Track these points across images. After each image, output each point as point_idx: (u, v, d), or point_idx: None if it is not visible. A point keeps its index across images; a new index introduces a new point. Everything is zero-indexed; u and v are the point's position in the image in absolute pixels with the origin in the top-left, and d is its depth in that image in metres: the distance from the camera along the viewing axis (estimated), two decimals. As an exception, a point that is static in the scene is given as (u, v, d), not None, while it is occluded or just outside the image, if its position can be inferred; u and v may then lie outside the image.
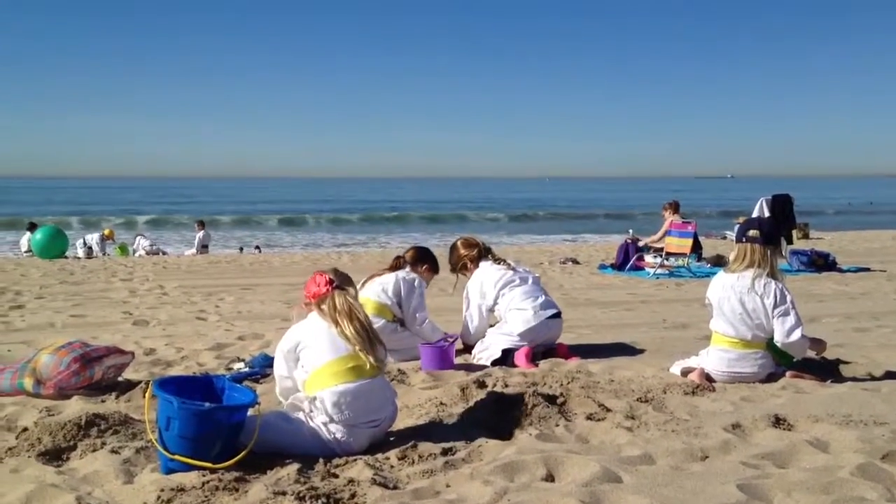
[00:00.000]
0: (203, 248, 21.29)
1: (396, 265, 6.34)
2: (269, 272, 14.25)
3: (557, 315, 6.10)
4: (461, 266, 6.45)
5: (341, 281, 4.09)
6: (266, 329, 7.59)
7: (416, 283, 6.19)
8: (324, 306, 3.96)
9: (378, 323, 5.82)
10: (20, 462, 3.62)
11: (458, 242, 6.59)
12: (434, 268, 6.55)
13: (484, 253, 6.40)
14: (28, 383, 4.86)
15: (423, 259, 6.46)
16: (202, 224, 22.68)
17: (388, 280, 6.15)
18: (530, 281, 6.20)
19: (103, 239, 21.04)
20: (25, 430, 4.02)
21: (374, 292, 6.09)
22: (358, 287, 6.15)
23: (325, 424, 3.69)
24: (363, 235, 33.64)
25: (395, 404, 4.07)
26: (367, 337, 3.88)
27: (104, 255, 19.99)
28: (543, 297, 6.11)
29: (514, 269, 6.25)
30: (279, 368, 4.03)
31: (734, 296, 5.00)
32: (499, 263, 6.28)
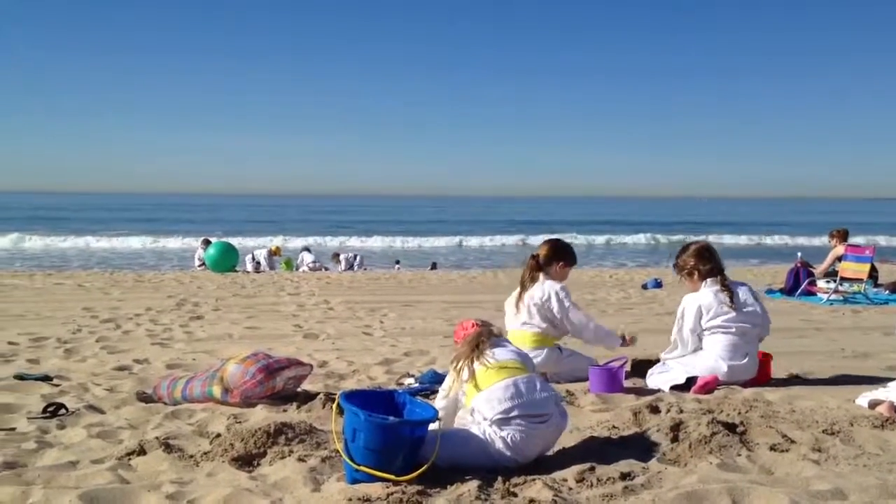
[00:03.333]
0: (350, 266, 21.87)
1: (533, 266, 6.13)
2: (428, 289, 14.50)
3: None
4: (686, 272, 5.98)
5: (485, 323, 4.31)
6: (430, 346, 7.74)
7: (553, 297, 5.99)
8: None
9: (541, 354, 5.81)
10: (215, 466, 3.84)
11: (696, 247, 6.04)
12: (570, 261, 6.27)
13: (714, 272, 5.90)
14: (216, 391, 5.16)
15: (557, 256, 6.19)
16: (337, 255, 23.27)
17: (532, 311, 6.01)
18: (744, 322, 5.79)
19: (270, 254, 22.00)
20: (218, 435, 4.26)
21: (526, 325, 6.04)
22: (508, 304, 6.17)
23: (495, 430, 3.74)
24: (515, 261, 33.58)
25: (563, 407, 4.08)
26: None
27: (271, 269, 20.90)
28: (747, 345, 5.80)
29: (734, 302, 5.78)
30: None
31: (929, 326, 4.71)
32: (724, 292, 5.81)
